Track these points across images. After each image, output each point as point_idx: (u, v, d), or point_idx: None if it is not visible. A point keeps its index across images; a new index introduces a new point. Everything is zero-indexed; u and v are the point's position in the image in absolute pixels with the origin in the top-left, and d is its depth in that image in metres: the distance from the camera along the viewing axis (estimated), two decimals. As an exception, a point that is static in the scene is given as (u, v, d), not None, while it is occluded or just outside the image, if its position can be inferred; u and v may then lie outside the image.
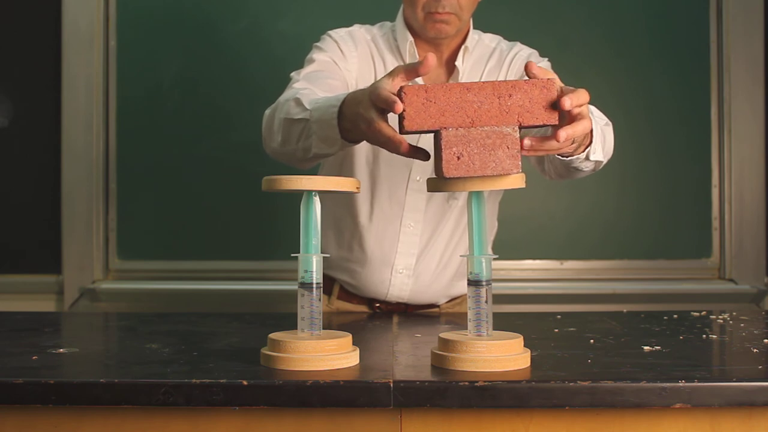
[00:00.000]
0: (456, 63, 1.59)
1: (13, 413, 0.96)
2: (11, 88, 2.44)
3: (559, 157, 1.27)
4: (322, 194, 1.08)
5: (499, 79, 1.61)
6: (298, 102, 1.34)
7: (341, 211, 1.63)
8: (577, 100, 1.02)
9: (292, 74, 1.54)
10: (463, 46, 1.59)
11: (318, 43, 1.61)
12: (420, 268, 1.61)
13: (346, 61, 1.57)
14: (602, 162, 1.31)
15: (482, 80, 1.59)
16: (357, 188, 1.07)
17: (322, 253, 1.05)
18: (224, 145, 2.38)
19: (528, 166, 1.61)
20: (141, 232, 2.43)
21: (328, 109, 1.25)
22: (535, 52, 1.66)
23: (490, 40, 1.66)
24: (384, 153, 1.57)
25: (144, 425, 0.96)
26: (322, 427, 0.95)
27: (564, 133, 1.03)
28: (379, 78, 1.54)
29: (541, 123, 1.02)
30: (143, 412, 0.95)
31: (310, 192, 1.05)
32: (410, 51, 1.58)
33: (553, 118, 1.01)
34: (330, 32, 1.62)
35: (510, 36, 1.74)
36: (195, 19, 2.41)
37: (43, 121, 2.44)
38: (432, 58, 1.06)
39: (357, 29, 1.64)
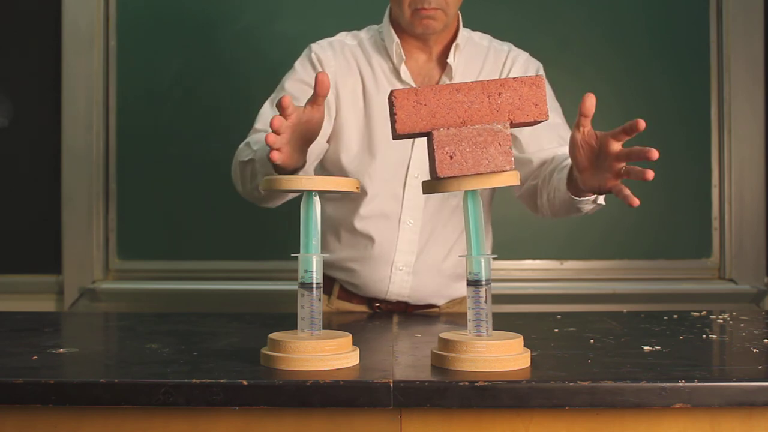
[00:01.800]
0: (448, 60, 1.60)
1: (13, 413, 0.96)
2: (11, 88, 2.44)
3: (573, 197, 1.38)
4: (322, 193, 1.08)
5: (498, 77, 1.63)
6: (248, 144, 1.47)
7: (340, 209, 1.63)
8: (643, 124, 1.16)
9: (265, 104, 1.61)
10: (454, 44, 1.60)
11: (296, 62, 1.64)
12: (419, 265, 1.61)
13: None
14: (602, 206, 1.42)
15: (481, 77, 1.61)
16: (357, 188, 1.07)
17: (322, 252, 1.05)
18: (224, 145, 2.36)
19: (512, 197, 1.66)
20: (141, 232, 2.44)
21: (266, 146, 1.30)
22: (528, 56, 1.68)
23: (480, 38, 1.68)
24: (381, 150, 1.58)
25: (144, 425, 0.96)
26: (322, 427, 0.95)
27: (651, 175, 1.15)
28: (367, 81, 1.57)
29: (532, 120, 1.02)
30: (143, 412, 0.95)
31: (310, 192, 1.05)
32: (396, 51, 1.60)
33: (543, 114, 1.02)
34: (312, 45, 1.64)
35: (510, 36, 1.74)
36: (195, 20, 2.42)
37: (43, 121, 2.44)
38: (325, 77, 1.18)
39: (340, 37, 1.67)
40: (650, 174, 1.15)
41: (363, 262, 1.62)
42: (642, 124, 1.15)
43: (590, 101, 1.22)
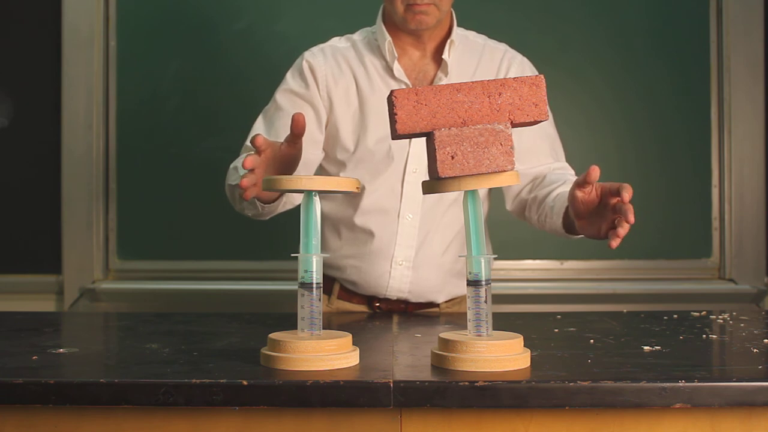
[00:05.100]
0: (443, 56, 1.61)
1: (13, 413, 0.96)
2: (11, 88, 2.44)
3: (568, 234, 1.49)
4: (321, 193, 1.08)
5: (494, 77, 1.64)
6: (236, 168, 1.52)
7: (339, 207, 1.64)
8: (630, 193, 1.23)
9: (259, 117, 1.64)
10: (449, 40, 1.61)
11: (288, 72, 1.66)
12: (419, 260, 1.62)
13: (307, 87, 1.62)
14: None
15: (477, 73, 1.62)
16: (357, 188, 1.07)
17: (322, 251, 1.05)
18: (224, 145, 2.38)
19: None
20: (141, 232, 2.43)
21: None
22: (523, 57, 1.70)
23: (476, 36, 1.70)
24: (378, 146, 1.60)
25: (144, 425, 0.96)
26: (322, 427, 0.95)
27: (623, 231, 1.25)
28: (360, 81, 1.59)
29: (532, 120, 1.02)
30: (143, 412, 0.95)
31: (310, 192, 1.05)
32: (389, 50, 1.61)
33: (543, 115, 1.02)
34: (304, 53, 1.66)
35: (509, 36, 1.75)
36: (194, 20, 2.41)
37: (43, 121, 2.44)
38: (301, 117, 1.24)
39: (333, 41, 1.69)
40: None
41: (363, 258, 1.62)
42: (626, 197, 1.23)
43: (595, 174, 1.28)
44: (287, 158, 1.29)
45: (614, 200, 1.27)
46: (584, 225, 1.35)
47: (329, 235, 1.66)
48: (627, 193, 1.23)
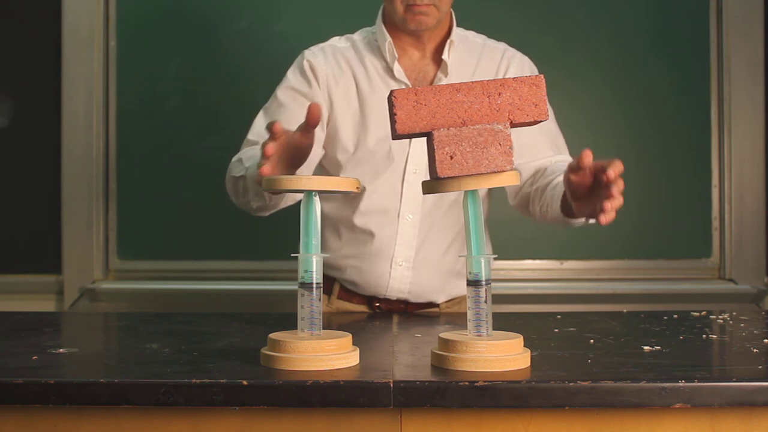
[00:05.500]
0: (443, 57, 1.61)
1: (13, 413, 0.96)
2: (11, 88, 2.44)
3: (568, 218, 1.48)
4: (321, 193, 1.08)
5: (494, 76, 1.64)
6: (240, 160, 1.51)
7: (340, 207, 1.64)
8: (618, 168, 1.22)
9: (259, 114, 1.65)
10: (449, 40, 1.62)
11: (288, 71, 1.66)
12: (419, 260, 1.62)
13: (309, 85, 1.62)
14: (592, 224, 1.46)
15: (476, 74, 1.62)
16: (357, 188, 1.07)
17: (322, 251, 1.05)
18: (224, 145, 2.37)
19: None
20: (141, 232, 2.43)
21: (255, 165, 1.35)
22: (522, 55, 1.70)
23: (475, 36, 1.71)
24: (378, 147, 1.60)
25: (144, 425, 0.96)
26: (322, 427, 0.95)
27: (610, 206, 1.23)
28: (360, 81, 1.57)
29: (532, 120, 1.02)
30: (143, 412, 0.95)
31: (310, 192, 1.05)
32: (389, 50, 1.61)
33: (543, 115, 1.02)
34: (304, 51, 1.66)
35: (509, 36, 1.75)
36: (194, 20, 2.41)
37: (43, 121, 2.44)
38: (317, 108, 1.22)
39: (333, 41, 1.69)
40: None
41: (363, 258, 1.62)
42: (611, 174, 1.23)
43: (588, 159, 1.27)
44: (301, 147, 1.28)
45: (605, 177, 1.26)
46: (580, 206, 1.35)
47: (329, 236, 1.66)
48: (612, 170, 1.22)
